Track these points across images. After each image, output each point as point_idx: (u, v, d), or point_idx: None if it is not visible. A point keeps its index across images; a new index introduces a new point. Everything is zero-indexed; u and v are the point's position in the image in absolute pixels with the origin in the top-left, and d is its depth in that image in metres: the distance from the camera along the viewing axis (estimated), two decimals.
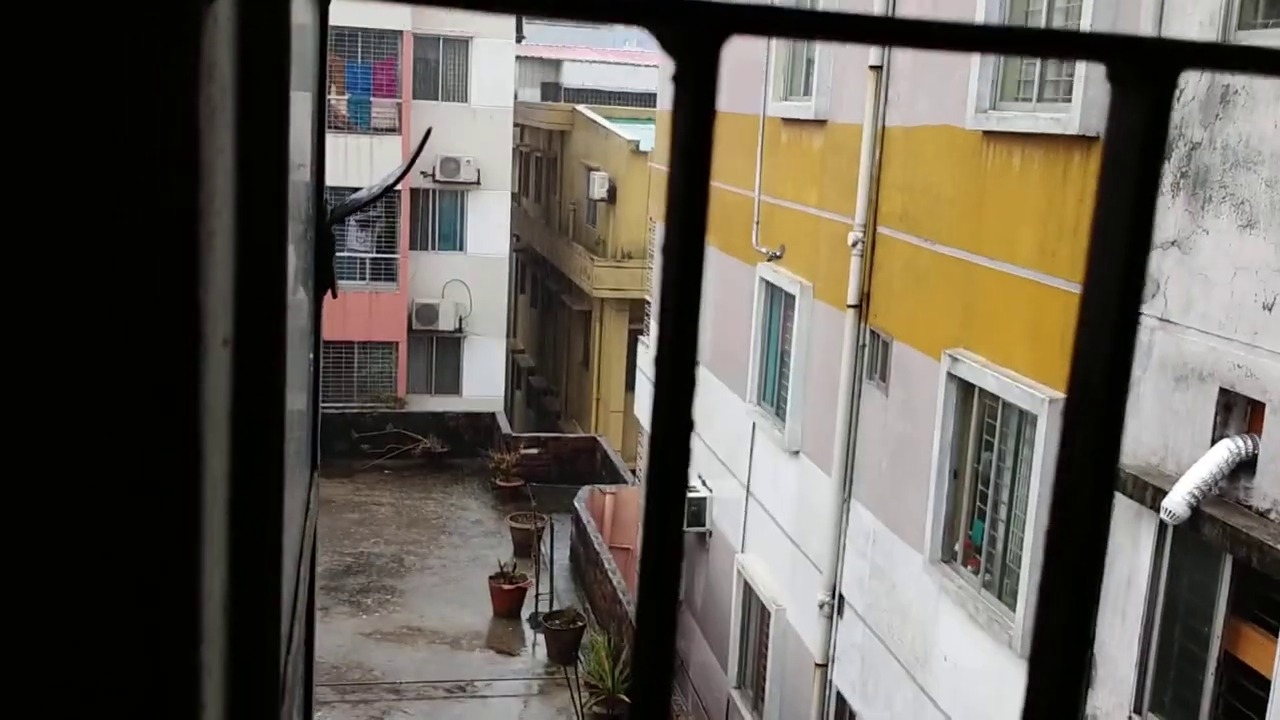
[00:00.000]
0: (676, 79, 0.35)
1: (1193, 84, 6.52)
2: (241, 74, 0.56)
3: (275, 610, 0.76)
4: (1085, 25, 7.39)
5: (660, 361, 0.36)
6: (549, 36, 46.18)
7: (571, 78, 39.44)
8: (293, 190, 1.03)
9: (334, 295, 1.69)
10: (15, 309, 0.45)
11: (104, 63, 0.42)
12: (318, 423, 1.89)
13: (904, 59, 10.05)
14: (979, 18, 8.64)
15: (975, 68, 8.68)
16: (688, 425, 0.41)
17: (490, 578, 18.00)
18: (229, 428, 0.56)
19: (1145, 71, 0.36)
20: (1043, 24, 8.16)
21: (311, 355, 1.64)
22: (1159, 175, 0.37)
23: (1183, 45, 0.36)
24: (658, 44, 0.35)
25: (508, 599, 17.73)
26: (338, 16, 26.96)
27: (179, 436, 0.48)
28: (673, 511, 0.41)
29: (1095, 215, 0.38)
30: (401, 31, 25.31)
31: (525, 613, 17.80)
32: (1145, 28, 6.84)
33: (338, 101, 25.22)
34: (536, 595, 17.61)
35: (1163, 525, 6.46)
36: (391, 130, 25.46)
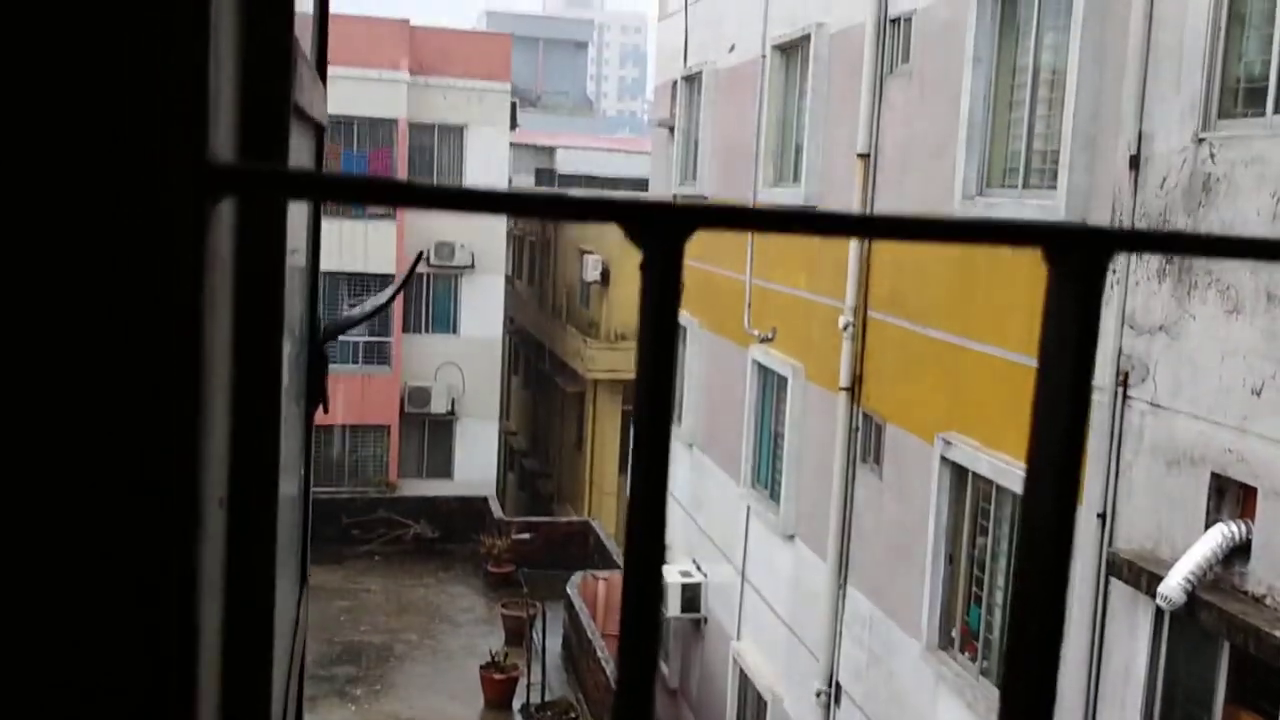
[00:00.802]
0: (644, 267, 0.38)
1: (1174, 171, 6.65)
2: (240, 259, 0.60)
3: None
4: (1068, 117, 7.54)
5: (630, 532, 0.38)
6: (543, 124, 46.92)
7: (565, 164, 39.95)
8: (289, 313, 1.06)
9: (325, 411, 1.72)
10: (21, 476, 0.47)
11: (110, 261, 0.45)
12: (307, 538, 1.90)
13: (891, 146, 10.23)
14: (962, 119, 8.81)
15: (961, 154, 8.84)
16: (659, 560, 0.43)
17: (481, 667, 17.74)
18: (222, 584, 0.58)
19: (1078, 256, 0.39)
20: (1025, 121, 8.32)
21: (303, 471, 1.65)
22: (1094, 352, 0.40)
23: (1112, 232, 0.39)
24: (629, 238, 0.38)
25: (499, 689, 17.46)
26: (334, 105, 27.18)
27: (176, 602, 0.50)
28: (650, 603, 0.43)
29: (1036, 392, 0.40)
30: (397, 120, 25.72)
31: (517, 703, 17.51)
32: (1127, 120, 6.99)
33: None
34: (528, 685, 17.35)
35: (1159, 612, 6.43)
36: (386, 216, 25.72)
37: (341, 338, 25.91)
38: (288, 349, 1.14)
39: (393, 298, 2.66)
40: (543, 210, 0.37)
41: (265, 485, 0.68)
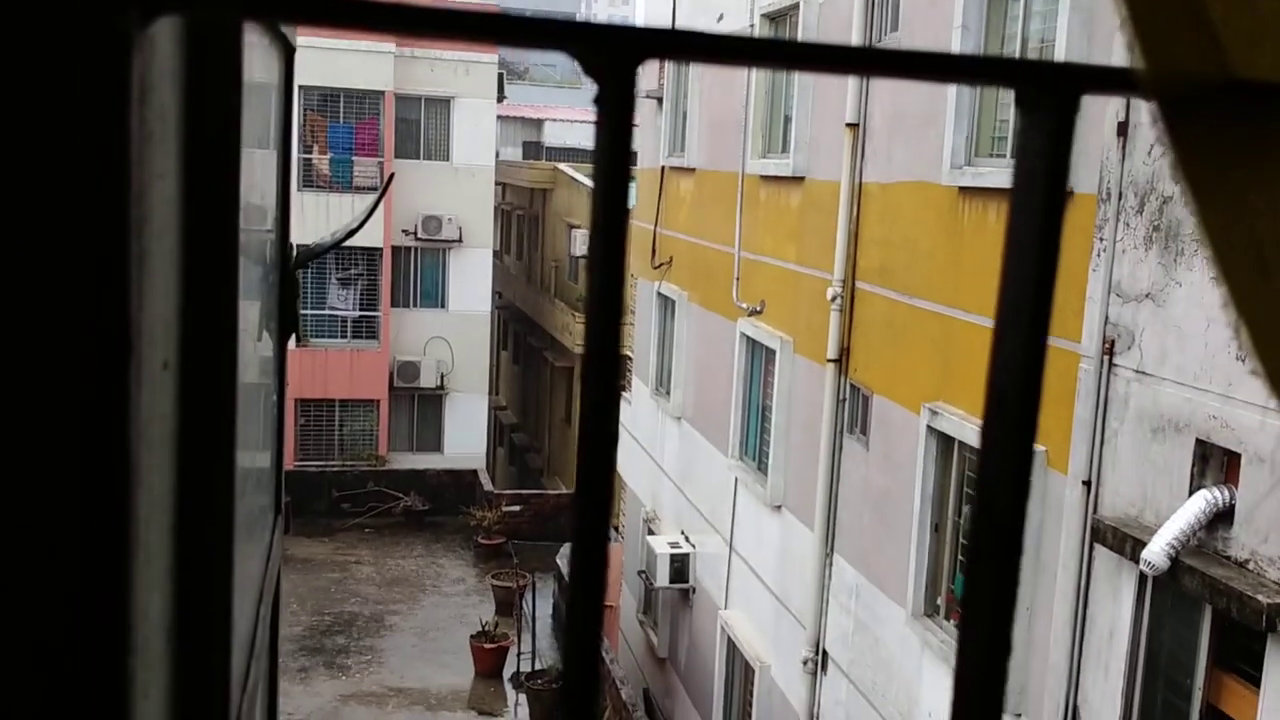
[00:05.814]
0: (597, 100, 0.37)
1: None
2: (189, 104, 0.57)
3: (225, 639, 0.76)
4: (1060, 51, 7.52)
5: (586, 378, 0.37)
6: (531, 96, 46.69)
7: (553, 136, 39.83)
8: (257, 235, 1.04)
9: (299, 341, 1.70)
10: None
11: (19, 85, 0.44)
12: (282, 470, 1.88)
13: (880, 116, 10.19)
14: (950, 88, 8.77)
15: (950, 124, 8.81)
16: (611, 450, 0.42)
17: (472, 637, 17.81)
18: (174, 449, 0.56)
19: (1049, 94, 0.38)
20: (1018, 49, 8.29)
21: (276, 398, 1.64)
22: (1064, 195, 0.39)
23: (1084, 69, 0.38)
24: (579, 66, 0.37)
25: (490, 658, 17.53)
26: (320, 77, 26.99)
27: (107, 453, 0.48)
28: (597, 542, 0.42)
29: (1007, 234, 0.39)
30: (384, 92, 25.55)
31: (508, 672, 17.60)
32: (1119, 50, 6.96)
33: (320, 161, 25.36)
34: (519, 654, 17.42)
35: (1143, 577, 6.46)
36: (374, 189, 25.58)
37: (329, 312, 25.84)
38: (258, 272, 1.13)
39: (363, 222, 2.65)
40: (481, 33, 0.36)
41: (223, 346, 0.67)
